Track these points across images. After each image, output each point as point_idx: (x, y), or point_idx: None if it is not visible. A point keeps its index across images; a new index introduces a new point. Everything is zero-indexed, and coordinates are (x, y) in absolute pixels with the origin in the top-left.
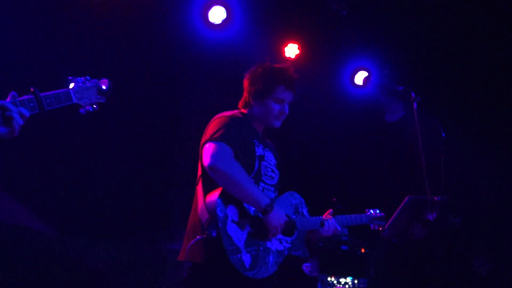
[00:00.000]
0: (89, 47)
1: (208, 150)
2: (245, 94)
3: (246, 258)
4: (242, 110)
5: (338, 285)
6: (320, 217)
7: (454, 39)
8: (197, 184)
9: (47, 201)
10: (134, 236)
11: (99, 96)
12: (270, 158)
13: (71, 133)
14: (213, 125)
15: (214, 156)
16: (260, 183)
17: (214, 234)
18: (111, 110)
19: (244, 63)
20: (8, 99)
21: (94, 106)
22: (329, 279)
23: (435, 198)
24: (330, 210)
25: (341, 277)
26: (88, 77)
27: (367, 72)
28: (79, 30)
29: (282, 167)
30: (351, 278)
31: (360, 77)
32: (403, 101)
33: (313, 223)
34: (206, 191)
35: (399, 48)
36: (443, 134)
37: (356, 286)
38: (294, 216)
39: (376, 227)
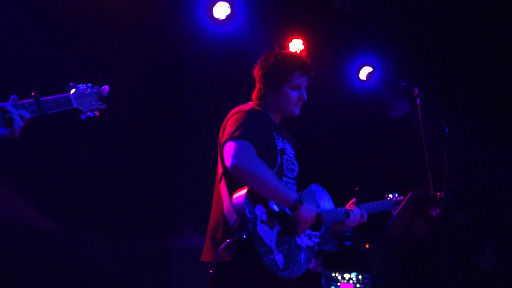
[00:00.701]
0: (93, 45)
1: (229, 150)
2: (258, 85)
3: (279, 258)
4: (257, 102)
5: (342, 281)
6: (344, 208)
7: (458, 35)
8: (219, 182)
9: (52, 199)
10: (138, 233)
11: (100, 103)
12: (289, 150)
13: (76, 132)
14: (231, 122)
15: (237, 156)
16: (283, 177)
17: (245, 237)
18: (115, 107)
19: (248, 59)
20: (9, 102)
21: (95, 112)
22: (333, 274)
23: (438, 193)
24: (354, 200)
25: (345, 273)
26: (90, 84)
27: (372, 67)
28: (83, 29)
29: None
30: (355, 273)
31: (364, 73)
32: (407, 97)
33: (338, 214)
34: (231, 190)
35: (404, 43)
36: (447, 130)
37: (360, 282)
38: (320, 209)
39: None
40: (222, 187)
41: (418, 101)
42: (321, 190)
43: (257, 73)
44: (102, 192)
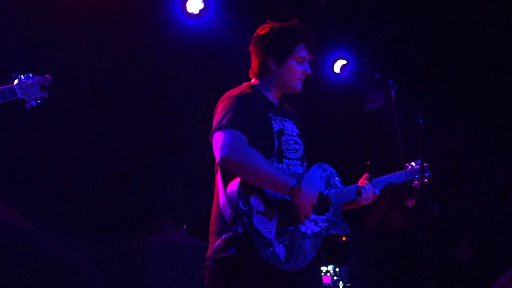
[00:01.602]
0: (63, 37)
1: (217, 141)
2: (258, 60)
3: (280, 250)
4: (252, 81)
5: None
6: (356, 185)
7: (432, 27)
8: (215, 172)
9: (26, 197)
10: (114, 229)
11: (42, 92)
12: (291, 129)
13: (50, 127)
14: (219, 109)
15: (225, 147)
16: (284, 160)
17: (240, 231)
18: (88, 103)
19: (223, 52)
20: None
21: (38, 100)
22: None
23: (414, 184)
24: (366, 175)
25: (322, 265)
26: (30, 74)
27: (346, 60)
28: (52, 23)
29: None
30: (332, 266)
31: (339, 66)
32: (382, 90)
33: (348, 193)
34: (226, 181)
35: (378, 36)
36: (421, 121)
37: (338, 274)
38: (327, 191)
39: (420, 181)
40: (218, 177)
41: (392, 92)
42: (328, 169)
43: (255, 47)
44: (76, 188)
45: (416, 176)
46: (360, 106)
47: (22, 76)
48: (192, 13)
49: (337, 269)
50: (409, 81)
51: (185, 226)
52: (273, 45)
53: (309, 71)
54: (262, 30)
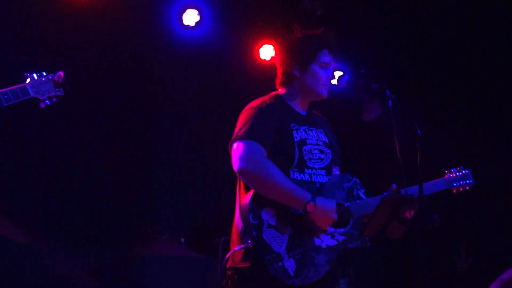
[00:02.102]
0: (65, 46)
1: (235, 153)
2: (282, 69)
3: (290, 264)
4: (279, 91)
5: None
6: (381, 196)
7: (428, 37)
8: (238, 181)
9: (18, 207)
10: (110, 242)
11: (56, 89)
12: (316, 138)
13: (44, 137)
14: (240, 120)
15: (242, 159)
16: (306, 170)
17: (250, 245)
18: (85, 115)
19: (218, 62)
20: None
21: (53, 99)
22: None
23: (412, 195)
24: (393, 186)
25: (338, 279)
26: (43, 72)
27: (343, 72)
28: (58, 29)
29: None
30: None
31: (336, 77)
32: (379, 100)
33: (372, 204)
34: (243, 192)
35: (375, 47)
36: (419, 132)
37: (337, 286)
38: (348, 203)
39: (461, 189)
40: (238, 188)
41: (389, 103)
42: (351, 180)
43: (279, 56)
44: (73, 201)
45: (455, 184)
46: (357, 117)
47: (34, 74)
48: (188, 25)
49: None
50: (406, 91)
51: (182, 240)
52: (296, 52)
53: (334, 77)
54: (285, 39)
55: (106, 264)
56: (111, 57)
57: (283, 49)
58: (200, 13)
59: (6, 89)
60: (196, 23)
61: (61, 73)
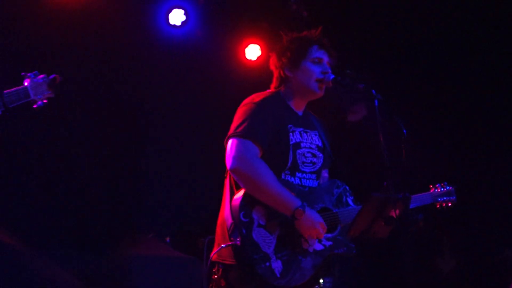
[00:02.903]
0: (54, 44)
1: (230, 149)
2: (276, 71)
3: (277, 265)
4: (277, 89)
5: None
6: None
7: (412, 39)
8: (225, 177)
9: (7, 211)
10: (96, 243)
11: (49, 91)
12: (311, 141)
13: (33, 140)
14: (238, 115)
15: (236, 158)
16: (297, 173)
17: (238, 242)
18: (72, 114)
19: (203, 59)
20: None
21: (45, 101)
22: None
23: (398, 195)
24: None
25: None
26: (36, 71)
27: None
28: (42, 30)
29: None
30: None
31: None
32: (365, 100)
33: None
34: (233, 189)
35: (360, 48)
36: (405, 131)
37: (322, 286)
38: (336, 209)
39: (444, 204)
40: (226, 183)
41: (375, 102)
42: (341, 187)
43: (273, 58)
44: (59, 203)
45: (439, 199)
46: (343, 117)
47: (30, 74)
48: (174, 24)
49: (321, 281)
50: (391, 91)
51: (168, 239)
52: (286, 52)
53: (328, 71)
54: (277, 43)
55: (91, 264)
56: (98, 57)
57: (274, 53)
58: (186, 13)
59: (10, 90)
60: (182, 22)
61: (57, 75)
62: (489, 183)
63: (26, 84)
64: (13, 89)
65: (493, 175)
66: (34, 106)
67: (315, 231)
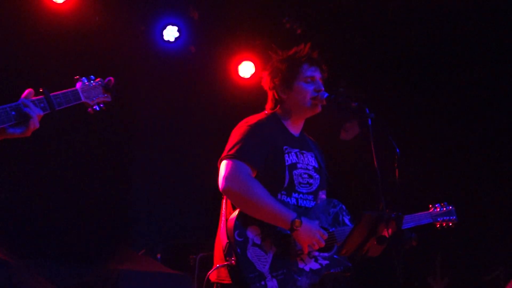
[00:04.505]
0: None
1: (222, 171)
2: (271, 93)
3: (272, 284)
4: (276, 108)
5: None
6: (361, 214)
7: (407, 55)
8: (222, 198)
9: None
10: (86, 258)
11: (105, 95)
12: (307, 162)
13: (21, 153)
14: (232, 136)
15: (227, 179)
16: (293, 194)
17: (233, 262)
18: (57, 126)
19: (198, 80)
20: (24, 99)
21: (101, 105)
22: None
23: (391, 213)
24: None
25: None
26: (92, 76)
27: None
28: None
29: (327, 167)
30: None
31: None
32: (358, 119)
33: None
34: (229, 209)
35: (355, 66)
36: (398, 150)
37: None
38: (333, 228)
39: (444, 224)
40: (223, 204)
41: (369, 121)
42: (337, 206)
43: (265, 80)
44: (48, 216)
45: (439, 219)
46: (335, 136)
47: (84, 78)
48: (168, 40)
49: None
50: (385, 110)
51: (159, 256)
52: (278, 74)
53: (322, 88)
54: (267, 65)
55: (82, 279)
56: (92, 71)
57: (266, 75)
58: (179, 30)
59: (58, 92)
60: (176, 38)
61: (112, 78)
62: (481, 203)
63: (77, 87)
64: (62, 91)
65: (484, 196)
66: (89, 109)
67: (315, 239)
